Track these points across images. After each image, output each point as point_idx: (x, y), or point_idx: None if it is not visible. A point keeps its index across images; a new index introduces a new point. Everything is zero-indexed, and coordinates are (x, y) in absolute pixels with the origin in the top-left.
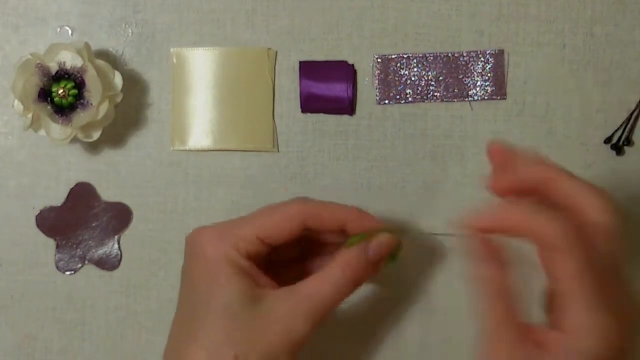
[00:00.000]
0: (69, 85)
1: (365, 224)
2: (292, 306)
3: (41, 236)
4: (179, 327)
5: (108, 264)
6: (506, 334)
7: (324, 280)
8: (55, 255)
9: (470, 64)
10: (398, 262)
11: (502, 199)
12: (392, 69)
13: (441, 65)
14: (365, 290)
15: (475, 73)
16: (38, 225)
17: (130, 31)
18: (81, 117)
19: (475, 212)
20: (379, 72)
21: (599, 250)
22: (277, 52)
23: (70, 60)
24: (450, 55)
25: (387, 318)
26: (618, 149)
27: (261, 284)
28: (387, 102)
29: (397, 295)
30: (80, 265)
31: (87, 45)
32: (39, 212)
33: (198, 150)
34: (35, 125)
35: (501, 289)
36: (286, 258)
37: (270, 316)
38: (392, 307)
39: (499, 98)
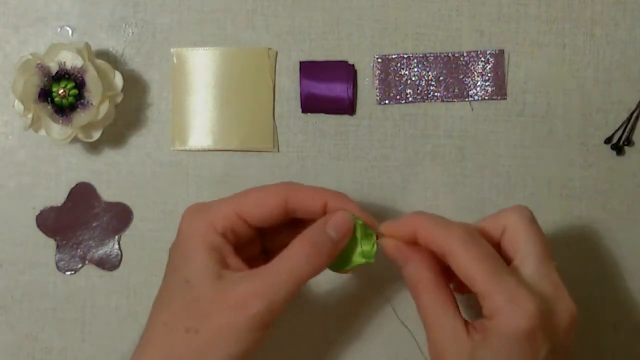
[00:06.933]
0: (69, 85)
1: (343, 206)
2: (250, 287)
3: (41, 236)
4: (155, 301)
5: (108, 264)
6: (449, 322)
7: (283, 261)
8: (55, 255)
9: (470, 64)
10: (377, 260)
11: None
12: (392, 68)
13: (441, 65)
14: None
15: (475, 73)
16: (38, 225)
17: (130, 31)
18: (81, 117)
19: (393, 220)
20: (379, 72)
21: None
22: (277, 52)
23: (70, 60)
24: (450, 55)
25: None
26: (618, 149)
27: (229, 264)
28: (387, 102)
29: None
30: (80, 265)
31: (87, 45)
32: (39, 212)
33: (198, 150)
34: (35, 125)
35: (432, 283)
36: (280, 245)
37: (227, 294)
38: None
39: (499, 98)
